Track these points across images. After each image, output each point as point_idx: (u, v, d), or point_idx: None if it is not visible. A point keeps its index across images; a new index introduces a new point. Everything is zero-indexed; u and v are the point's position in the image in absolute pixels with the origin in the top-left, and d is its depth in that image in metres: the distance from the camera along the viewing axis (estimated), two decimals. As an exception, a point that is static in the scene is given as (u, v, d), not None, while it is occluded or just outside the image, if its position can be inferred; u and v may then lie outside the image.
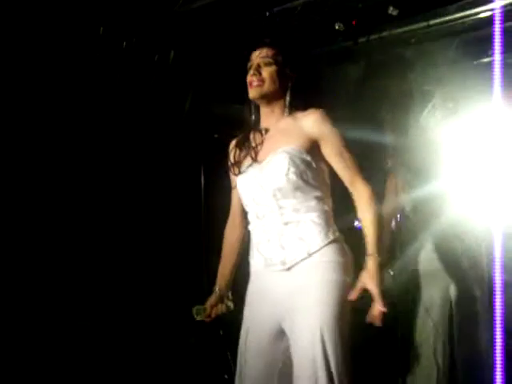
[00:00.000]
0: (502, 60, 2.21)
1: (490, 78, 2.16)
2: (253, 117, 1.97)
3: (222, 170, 2.13)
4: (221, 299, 2.06)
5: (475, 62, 3.50)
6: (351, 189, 1.83)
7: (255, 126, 1.97)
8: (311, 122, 1.82)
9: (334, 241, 1.80)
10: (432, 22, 3.60)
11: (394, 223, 3.02)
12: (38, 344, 3.20)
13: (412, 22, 3.69)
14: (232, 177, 2.03)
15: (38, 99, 3.26)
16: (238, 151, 1.98)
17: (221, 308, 2.05)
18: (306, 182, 1.79)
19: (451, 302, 2.72)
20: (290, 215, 1.79)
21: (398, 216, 2.97)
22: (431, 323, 2.72)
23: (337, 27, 3.44)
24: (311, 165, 1.81)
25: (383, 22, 3.34)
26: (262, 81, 1.86)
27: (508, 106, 2.31)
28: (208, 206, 3.71)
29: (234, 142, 2.07)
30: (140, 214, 3.76)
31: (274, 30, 3.69)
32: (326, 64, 4.19)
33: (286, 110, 1.89)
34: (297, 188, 1.79)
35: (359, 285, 1.73)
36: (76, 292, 3.42)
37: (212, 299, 2.05)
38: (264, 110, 1.94)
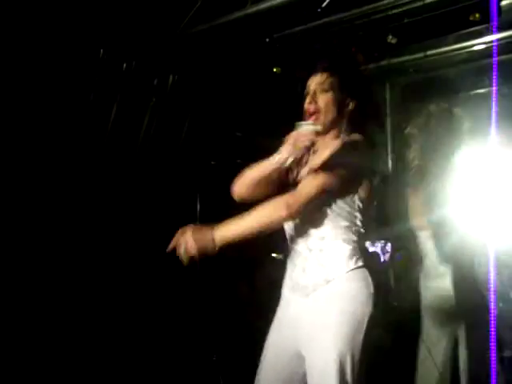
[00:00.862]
0: (496, 91, 2.25)
1: (487, 108, 2.19)
2: None
3: (218, 197, 2.13)
4: None
5: (472, 93, 3.54)
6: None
7: None
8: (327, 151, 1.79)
9: (355, 269, 1.74)
10: (429, 52, 3.67)
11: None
12: (34, 337, 3.18)
13: (410, 53, 3.76)
14: None
15: (39, 119, 3.28)
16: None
17: None
18: (333, 211, 1.76)
19: (457, 340, 2.68)
20: (315, 242, 1.78)
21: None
22: (432, 362, 2.69)
23: (336, 54, 3.48)
24: (343, 193, 1.76)
25: (382, 50, 3.38)
26: (318, 110, 1.80)
27: (503, 136, 2.33)
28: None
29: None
30: (136, 239, 3.72)
31: (274, 55, 3.73)
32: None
33: (342, 136, 1.82)
34: (324, 217, 1.76)
35: None
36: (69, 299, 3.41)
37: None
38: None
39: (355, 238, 1.78)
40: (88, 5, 3.20)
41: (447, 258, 2.71)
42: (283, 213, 1.70)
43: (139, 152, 3.83)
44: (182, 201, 3.91)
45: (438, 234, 2.73)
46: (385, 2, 2.88)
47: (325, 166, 1.73)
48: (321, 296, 1.74)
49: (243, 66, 3.80)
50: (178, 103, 3.94)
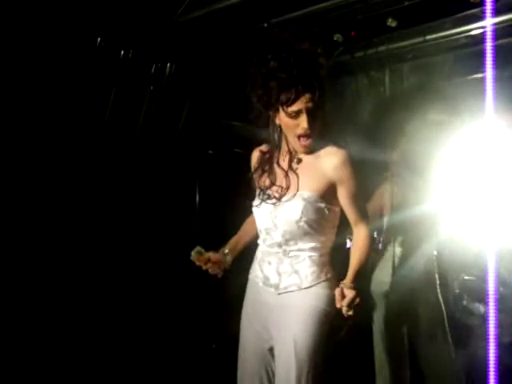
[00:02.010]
0: (493, 76, 2.23)
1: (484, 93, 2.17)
2: (276, 138, 1.96)
3: (217, 186, 2.17)
4: (222, 258, 2.09)
5: (469, 77, 3.53)
6: (354, 227, 1.95)
7: (278, 146, 1.98)
8: (332, 166, 1.88)
9: (324, 280, 1.93)
10: (428, 36, 3.64)
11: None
12: (31, 337, 3.21)
13: (409, 37, 3.74)
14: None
15: (35, 107, 3.27)
16: (259, 172, 2.02)
17: (214, 266, 2.07)
18: (315, 229, 1.91)
19: (411, 337, 2.84)
20: (292, 251, 1.94)
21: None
22: (387, 359, 2.84)
23: (335, 38, 3.45)
24: (324, 212, 1.91)
25: (382, 34, 3.35)
26: (315, 131, 1.88)
27: (502, 121, 2.32)
28: (203, 222, 3.73)
29: (255, 159, 2.08)
30: (134, 230, 3.72)
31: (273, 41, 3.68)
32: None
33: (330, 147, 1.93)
34: (305, 234, 1.92)
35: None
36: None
37: (215, 253, 2.08)
38: None
39: (328, 251, 1.97)
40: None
41: (405, 255, 2.76)
42: (369, 245, 1.95)
43: (137, 140, 3.81)
44: (180, 189, 3.91)
45: (399, 231, 2.78)
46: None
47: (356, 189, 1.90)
48: (291, 297, 1.91)
49: (241, 52, 3.77)
50: (175, 91, 3.91)
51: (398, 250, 2.82)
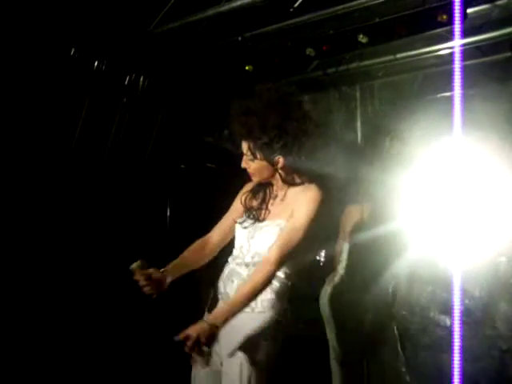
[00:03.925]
0: (461, 95, 2.28)
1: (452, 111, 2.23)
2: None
3: (188, 200, 2.16)
4: (162, 278, 1.98)
5: (438, 95, 3.63)
6: (268, 252, 1.92)
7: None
8: (297, 203, 1.94)
9: (279, 308, 1.93)
10: (399, 55, 3.75)
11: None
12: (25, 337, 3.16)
13: (380, 55, 3.83)
14: (237, 207, 2.11)
15: (7, 117, 3.21)
16: (251, 194, 2.09)
17: (152, 285, 1.93)
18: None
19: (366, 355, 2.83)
20: (250, 265, 1.95)
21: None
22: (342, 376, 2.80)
23: (307, 52, 3.50)
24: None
25: (353, 49, 3.42)
26: (255, 173, 1.98)
27: (468, 140, 2.39)
28: (173, 236, 3.70)
29: (250, 186, 2.14)
30: (105, 243, 3.65)
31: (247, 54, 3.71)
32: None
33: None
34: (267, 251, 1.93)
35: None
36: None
37: (156, 271, 1.97)
38: None
39: (289, 283, 1.98)
40: (60, 2, 3.15)
41: (362, 274, 2.79)
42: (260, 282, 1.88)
43: (108, 152, 3.77)
44: (151, 203, 3.87)
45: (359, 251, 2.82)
46: (356, 2, 2.93)
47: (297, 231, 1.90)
48: (243, 321, 1.87)
49: (215, 65, 3.80)
50: (149, 104, 3.90)
51: (359, 267, 2.83)
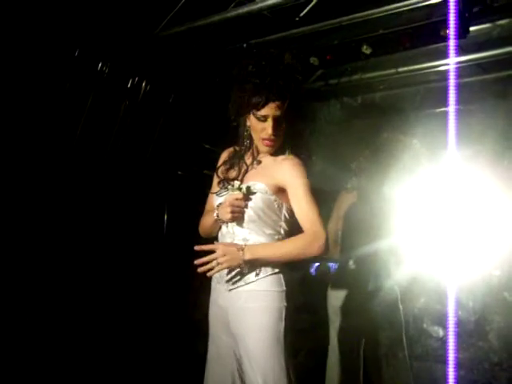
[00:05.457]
0: (462, 110, 2.30)
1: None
2: (245, 138, 2.04)
3: (186, 206, 2.16)
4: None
5: (438, 110, 3.68)
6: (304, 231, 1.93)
7: (246, 146, 2.06)
8: (282, 171, 1.95)
9: (271, 274, 1.93)
10: (400, 69, 3.80)
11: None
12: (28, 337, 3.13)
13: (382, 68, 3.89)
14: (214, 183, 2.13)
15: (9, 118, 3.20)
16: (227, 166, 2.11)
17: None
18: (259, 217, 1.94)
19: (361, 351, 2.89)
20: (239, 242, 1.95)
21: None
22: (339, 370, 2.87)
23: (311, 61, 3.55)
24: (272, 204, 1.95)
25: (356, 59, 3.47)
26: (278, 137, 1.96)
27: (466, 154, 2.42)
28: (170, 242, 3.70)
29: (226, 154, 2.16)
30: (102, 248, 3.62)
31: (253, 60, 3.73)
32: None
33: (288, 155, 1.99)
34: (250, 221, 1.95)
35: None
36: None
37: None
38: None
39: None
40: (67, 3, 3.17)
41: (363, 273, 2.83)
42: (316, 251, 1.88)
43: (108, 155, 3.76)
44: (148, 208, 3.86)
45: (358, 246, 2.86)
46: (361, 13, 2.99)
47: (306, 192, 1.91)
48: (241, 294, 1.93)
49: (219, 70, 3.82)
50: (150, 108, 3.91)
51: (357, 267, 2.87)
